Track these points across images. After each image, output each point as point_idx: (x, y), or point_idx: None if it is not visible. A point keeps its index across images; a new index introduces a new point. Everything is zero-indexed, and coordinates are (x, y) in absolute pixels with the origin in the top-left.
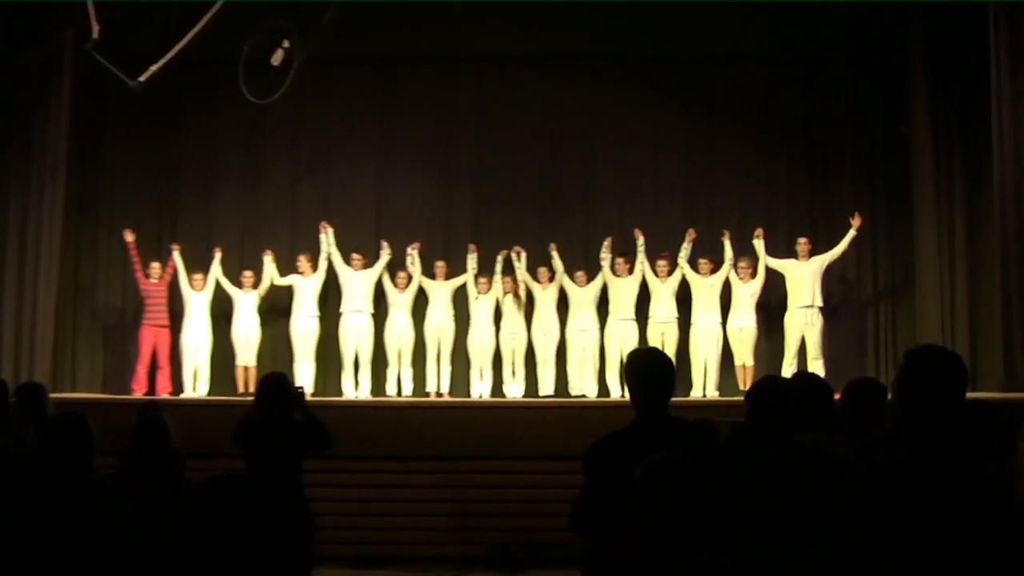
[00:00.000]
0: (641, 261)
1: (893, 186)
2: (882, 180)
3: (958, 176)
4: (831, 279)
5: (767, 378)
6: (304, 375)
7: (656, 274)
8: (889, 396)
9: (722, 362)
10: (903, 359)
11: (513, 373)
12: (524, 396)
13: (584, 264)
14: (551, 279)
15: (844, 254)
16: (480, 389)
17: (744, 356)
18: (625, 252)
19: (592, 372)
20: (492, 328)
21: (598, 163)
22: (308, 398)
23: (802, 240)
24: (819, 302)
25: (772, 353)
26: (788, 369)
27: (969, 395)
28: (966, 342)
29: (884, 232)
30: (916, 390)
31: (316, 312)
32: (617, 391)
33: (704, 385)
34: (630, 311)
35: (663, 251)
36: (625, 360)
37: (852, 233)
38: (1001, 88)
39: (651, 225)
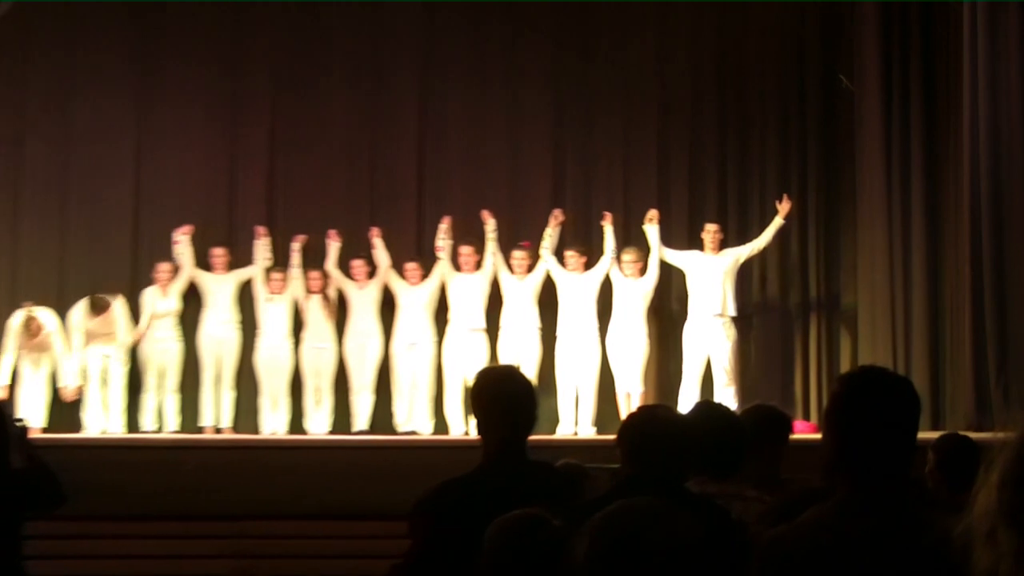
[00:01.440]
0: (492, 252)
1: (832, 160)
2: (818, 152)
3: (917, 148)
4: (748, 280)
5: (644, 410)
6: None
7: (512, 269)
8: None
9: (601, 388)
10: (835, 385)
11: (317, 401)
12: (332, 432)
13: (417, 255)
14: (370, 275)
15: (767, 248)
16: (273, 423)
17: (630, 380)
18: (471, 239)
19: (426, 400)
20: (288, 341)
21: (435, 124)
22: (36, 435)
23: (710, 227)
24: (731, 310)
25: (668, 376)
26: (688, 397)
27: (926, 434)
28: (924, 366)
29: (820, 221)
30: (852, 427)
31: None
32: (459, 426)
33: (576, 418)
34: (478, 318)
35: (522, 239)
36: (471, 384)
37: (778, 221)
38: (976, 33)
39: (506, 205)
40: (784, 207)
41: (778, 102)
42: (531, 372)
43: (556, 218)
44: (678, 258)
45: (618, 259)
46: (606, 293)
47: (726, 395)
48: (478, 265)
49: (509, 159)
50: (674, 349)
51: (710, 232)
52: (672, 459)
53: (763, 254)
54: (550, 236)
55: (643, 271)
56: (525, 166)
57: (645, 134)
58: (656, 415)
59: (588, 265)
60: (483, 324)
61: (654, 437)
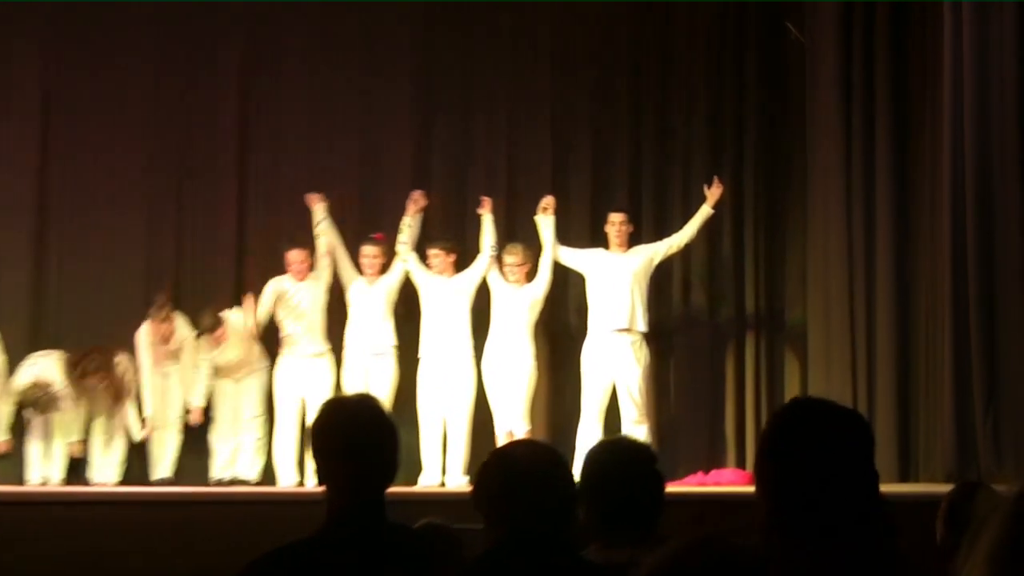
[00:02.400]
0: (323, 250)
1: (776, 138)
2: (758, 127)
3: (884, 127)
4: (666, 287)
5: (500, 453)
6: None
7: (360, 270)
8: None
9: (477, 425)
10: (768, 421)
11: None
12: (123, 483)
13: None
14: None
15: (691, 246)
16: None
17: (513, 416)
18: (303, 236)
19: (253, 440)
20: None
21: (264, 98)
22: None
23: (615, 217)
24: (641, 325)
25: (563, 410)
26: (587, 435)
27: (893, 487)
28: (891, 401)
29: (760, 215)
30: (788, 473)
31: None
32: (291, 474)
33: (443, 465)
34: (314, 337)
35: (373, 230)
36: (312, 420)
37: (705, 211)
38: None
39: (355, 187)
40: (714, 193)
41: (708, 64)
42: (388, 400)
43: (416, 203)
44: (576, 258)
45: (499, 259)
46: (483, 302)
47: (638, 433)
48: (310, 268)
49: (360, 134)
50: (570, 375)
51: (615, 224)
52: (545, 516)
53: (686, 254)
54: (409, 227)
55: (531, 275)
56: (377, 139)
57: (537, 104)
58: (515, 458)
59: (460, 266)
60: (323, 348)
61: (515, 487)
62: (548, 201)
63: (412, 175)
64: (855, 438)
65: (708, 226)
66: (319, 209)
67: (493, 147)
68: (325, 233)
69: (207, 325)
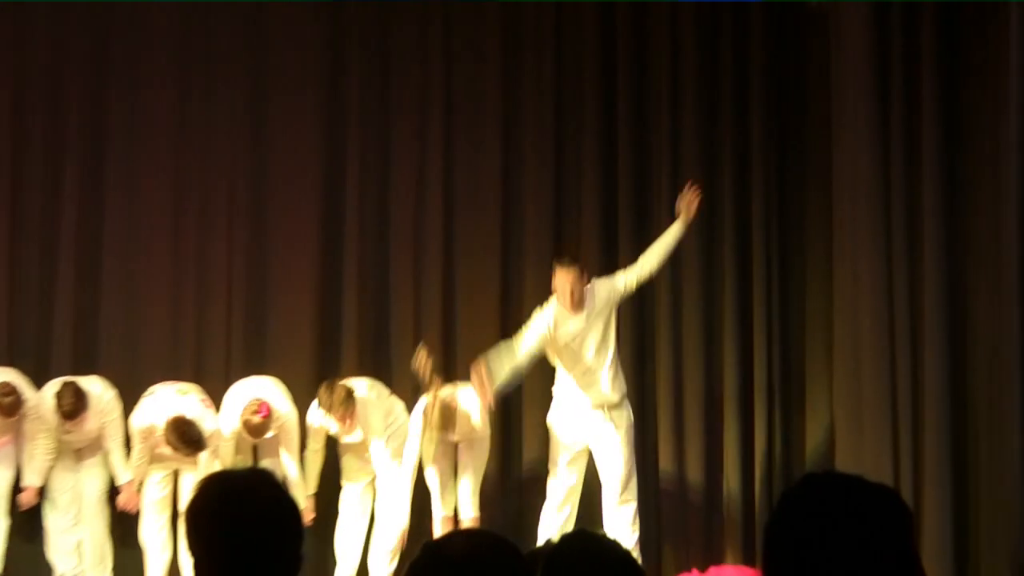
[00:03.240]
0: None
1: (790, 134)
2: (764, 121)
3: (930, 130)
4: (650, 332)
5: (432, 547)
6: None
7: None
8: None
9: (415, 510)
10: (779, 502)
11: None
12: None
13: None
14: None
15: (680, 280)
16: None
17: (457, 498)
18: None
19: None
20: None
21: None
22: None
23: (564, 278)
24: (616, 389)
25: (519, 489)
26: (554, 523)
27: None
28: (941, 472)
29: (769, 230)
30: (804, 572)
31: None
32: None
33: (361, 559)
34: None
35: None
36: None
37: (678, 228)
38: None
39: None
40: (690, 202)
41: (699, 39)
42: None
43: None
44: (541, 326)
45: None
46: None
47: (620, 519)
48: None
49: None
50: (535, 440)
51: (567, 284)
52: None
53: (675, 289)
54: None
55: None
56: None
57: (481, 89)
58: (451, 555)
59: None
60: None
61: None
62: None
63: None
64: (890, 523)
65: (704, 257)
66: None
67: (394, 141)
68: None
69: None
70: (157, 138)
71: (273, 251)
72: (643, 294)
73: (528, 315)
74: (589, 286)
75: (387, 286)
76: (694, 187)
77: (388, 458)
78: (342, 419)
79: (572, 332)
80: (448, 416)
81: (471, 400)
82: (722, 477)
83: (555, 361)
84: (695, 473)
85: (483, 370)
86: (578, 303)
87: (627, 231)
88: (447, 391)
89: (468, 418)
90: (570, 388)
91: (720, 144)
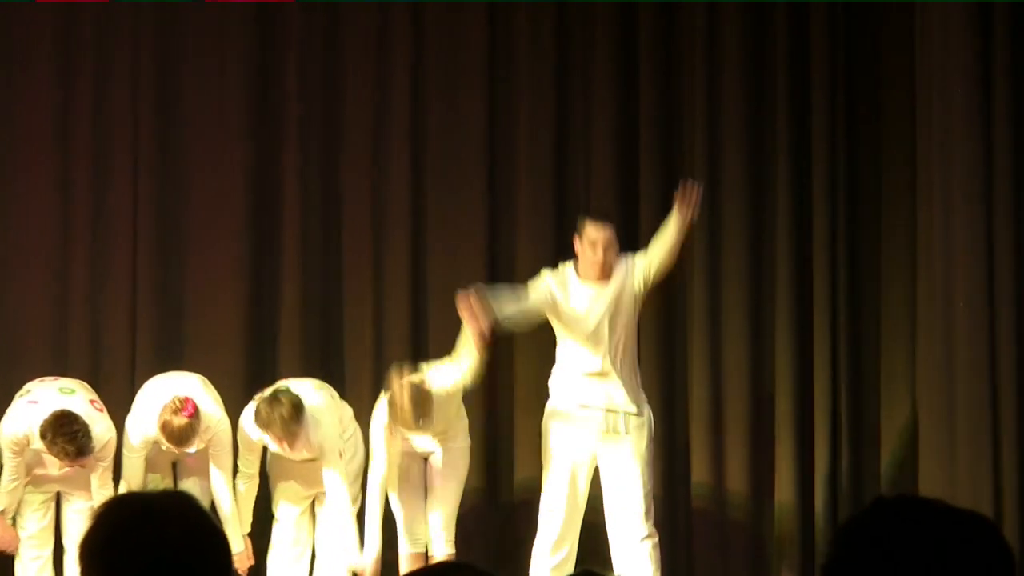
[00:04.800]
0: None
1: (863, 106)
2: (829, 95)
3: None
4: (667, 313)
5: None
6: None
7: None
8: None
9: (387, 539)
10: (841, 531)
11: None
12: None
13: None
14: None
15: (718, 280)
16: None
17: (436, 525)
18: None
19: None
20: None
21: None
22: None
23: (593, 231)
24: (635, 400)
25: (511, 519)
26: (548, 564)
27: None
28: None
29: (835, 198)
30: None
31: None
32: None
33: None
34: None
35: None
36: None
37: (675, 227)
38: None
39: None
40: (686, 203)
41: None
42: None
43: None
44: (543, 289)
45: None
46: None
47: (637, 558)
48: None
49: None
50: (526, 458)
51: (596, 244)
52: None
53: (712, 288)
54: None
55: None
56: None
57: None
58: None
59: None
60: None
61: None
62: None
63: None
64: (983, 561)
65: (750, 231)
66: None
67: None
68: None
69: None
70: (39, 63)
71: (190, 212)
72: (673, 275)
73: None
74: (621, 260)
75: (339, 262)
76: (693, 186)
77: (340, 478)
78: (281, 440)
79: (591, 309)
80: (421, 401)
81: (448, 378)
82: (772, 502)
83: (561, 342)
84: (738, 497)
85: (475, 294)
86: (607, 272)
87: (651, 195)
88: (416, 376)
89: (447, 403)
90: (576, 382)
91: (767, 88)
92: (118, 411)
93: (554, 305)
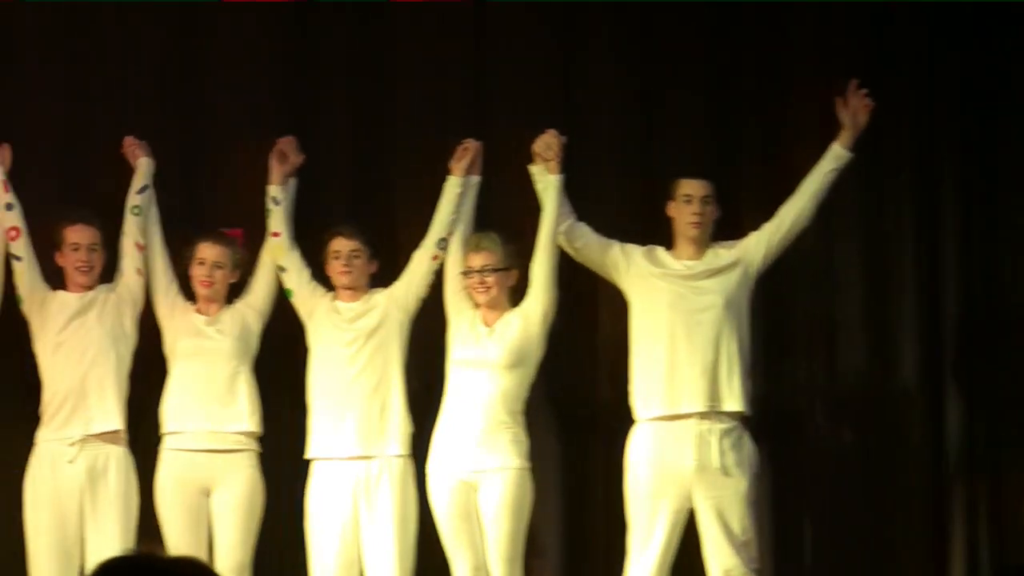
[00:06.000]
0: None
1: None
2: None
3: None
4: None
5: None
6: None
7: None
8: None
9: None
10: None
11: None
12: None
13: None
14: None
15: (804, 229)
16: None
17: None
18: None
19: None
20: None
21: None
22: None
23: (692, 187)
24: (738, 398)
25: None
26: None
27: None
28: None
29: (965, 164)
30: None
31: None
32: None
33: None
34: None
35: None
36: None
37: (837, 154)
38: None
39: None
40: (853, 110)
41: None
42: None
43: (286, 158)
44: (612, 256)
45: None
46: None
47: None
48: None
49: None
50: (595, 495)
51: (694, 198)
52: None
53: (824, 274)
54: (278, 204)
55: (513, 291)
56: None
57: None
58: None
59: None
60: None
61: None
62: (548, 142)
63: None
64: None
65: (868, 208)
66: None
67: None
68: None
69: None
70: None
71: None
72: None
73: None
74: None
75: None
76: (860, 90)
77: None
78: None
79: (679, 286)
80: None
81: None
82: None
83: (636, 335)
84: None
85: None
86: (703, 238)
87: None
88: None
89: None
90: (660, 394)
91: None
92: None
93: (624, 270)
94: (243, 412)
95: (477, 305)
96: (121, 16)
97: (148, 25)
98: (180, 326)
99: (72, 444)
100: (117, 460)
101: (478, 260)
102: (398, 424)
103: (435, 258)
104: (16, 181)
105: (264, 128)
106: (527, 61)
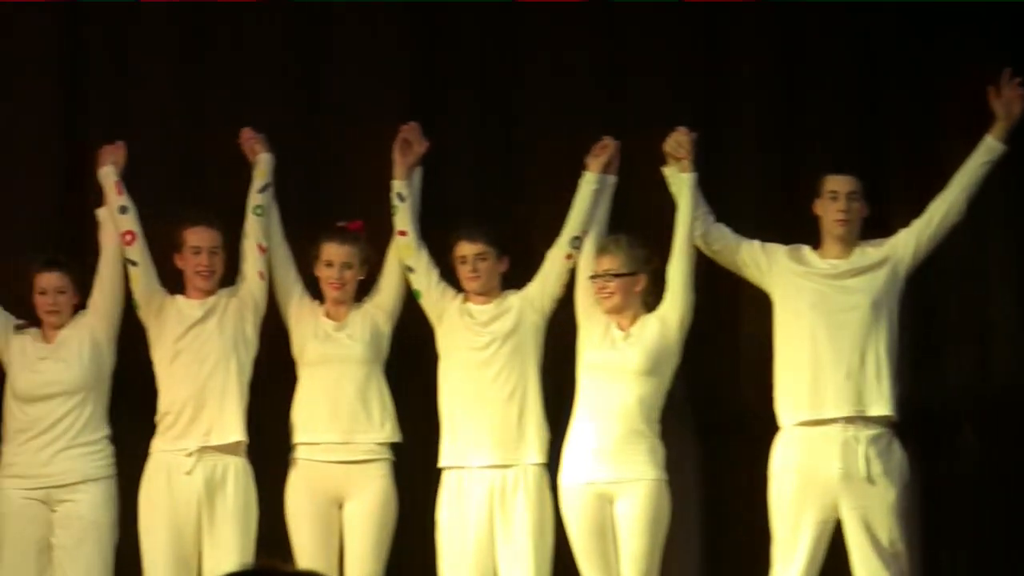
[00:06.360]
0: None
1: None
2: None
3: None
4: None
5: None
6: None
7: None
8: None
9: None
10: None
11: None
12: None
13: None
14: None
15: (955, 225)
16: None
17: None
18: None
19: None
20: None
21: None
22: None
23: (838, 183)
24: (886, 402)
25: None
26: None
27: None
28: None
29: None
30: None
31: None
32: None
33: None
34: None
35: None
36: None
37: (991, 146)
38: None
39: None
40: (1006, 99)
41: None
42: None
43: (411, 147)
44: (753, 256)
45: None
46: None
47: None
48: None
49: None
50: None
51: (840, 195)
52: None
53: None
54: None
55: (639, 294)
56: None
57: None
58: None
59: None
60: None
61: None
62: (680, 140)
63: None
64: None
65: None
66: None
67: None
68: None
69: None
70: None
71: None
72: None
73: None
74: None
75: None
76: (1015, 79)
77: None
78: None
79: (823, 285)
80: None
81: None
82: None
83: (779, 337)
84: None
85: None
86: (850, 236)
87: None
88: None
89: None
90: (803, 398)
91: None
92: None
93: (765, 269)
94: (376, 420)
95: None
96: (236, 11)
97: (267, 21)
98: (308, 330)
99: (189, 455)
100: (236, 471)
101: (602, 264)
102: (535, 431)
103: (569, 257)
104: (130, 182)
105: (388, 127)
106: (662, 60)
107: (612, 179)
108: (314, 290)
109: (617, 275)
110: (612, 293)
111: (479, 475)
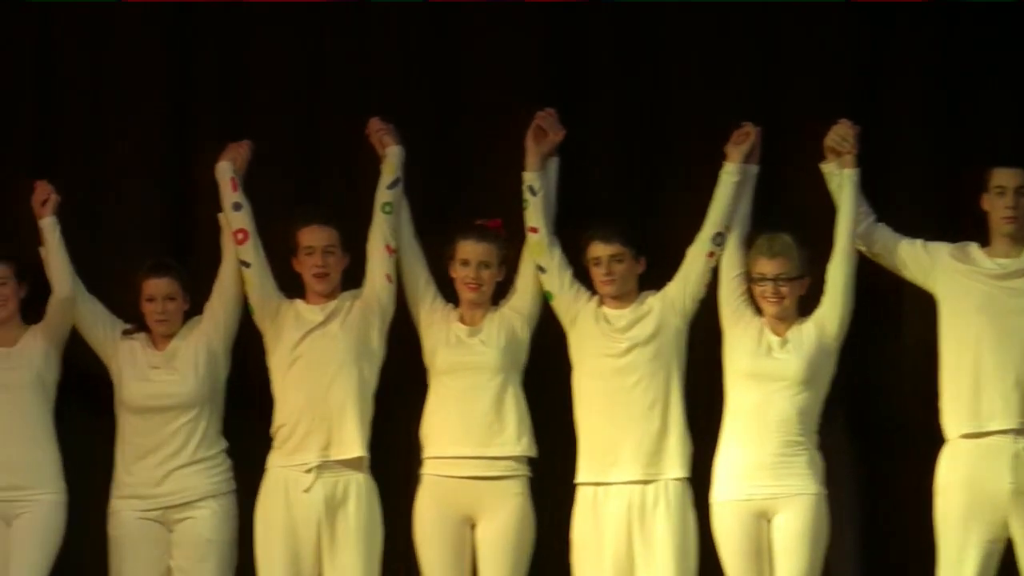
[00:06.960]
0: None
1: None
2: None
3: None
4: None
5: None
6: None
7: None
8: None
9: None
10: None
11: None
12: None
13: None
14: None
15: None
16: None
17: None
18: None
19: None
20: None
21: None
22: None
23: (1004, 180)
24: None
25: None
26: None
27: None
28: None
29: None
30: None
31: None
32: None
33: None
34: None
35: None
36: None
37: None
38: None
39: None
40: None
41: None
42: None
43: (546, 135)
44: (915, 256)
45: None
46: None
47: None
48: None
49: None
50: (899, 523)
51: (1007, 190)
52: None
53: None
54: (534, 193)
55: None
56: None
57: None
58: None
59: (652, 280)
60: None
61: None
62: (842, 131)
63: None
64: None
65: None
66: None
67: None
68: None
69: None
70: None
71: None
72: None
73: None
74: None
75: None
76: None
77: None
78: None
79: (990, 287)
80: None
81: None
82: None
83: (944, 342)
84: None
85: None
86: (1020, 234)
87: None
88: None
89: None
90: (968, 408)
91: None
92: None
93: (936, 268)
94: (512, 434)
95: (761, 312)
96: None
97: (396, 19)
98: (440, 336)
99: (308, 471)
100: (358, 488)
101: (772, 267)
102: (678, 443)
103: (711, 255)
104: (248, 181)
105: (522, 124)
106: (815, 54)
107: (754, 169)
108: (448, 295)
109: (790, 279)
110: (783, 298)
111: (617, 491)
